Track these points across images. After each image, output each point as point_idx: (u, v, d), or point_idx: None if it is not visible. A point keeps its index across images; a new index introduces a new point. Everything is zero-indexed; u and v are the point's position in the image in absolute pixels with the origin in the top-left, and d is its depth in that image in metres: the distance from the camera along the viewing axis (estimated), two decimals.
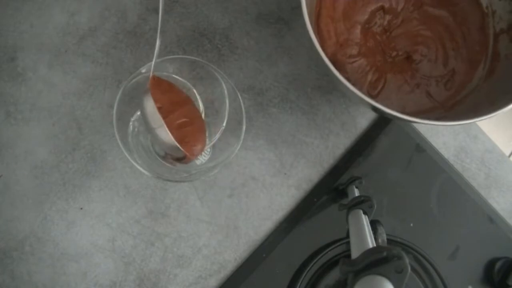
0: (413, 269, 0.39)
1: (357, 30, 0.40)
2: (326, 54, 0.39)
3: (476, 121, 0.30)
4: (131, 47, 0.42)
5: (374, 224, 0.32)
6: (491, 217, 0.42)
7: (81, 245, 0.39)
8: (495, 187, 0.44)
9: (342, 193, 0.40)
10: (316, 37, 0.31)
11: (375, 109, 0.31)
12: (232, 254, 0.40)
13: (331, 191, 0.41)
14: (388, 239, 0.38)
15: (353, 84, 0.30)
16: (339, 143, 0.43)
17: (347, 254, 0.39)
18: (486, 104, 0.30)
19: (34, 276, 0.38)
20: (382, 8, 0.40)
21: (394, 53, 0.40)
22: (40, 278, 0.38)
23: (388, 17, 0.41)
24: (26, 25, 0.42)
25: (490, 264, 0.41)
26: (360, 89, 0.30)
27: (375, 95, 0.39)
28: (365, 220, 0.31)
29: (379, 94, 0.39)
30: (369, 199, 0.33)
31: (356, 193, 0.37)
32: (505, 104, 0.30)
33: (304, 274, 0.38)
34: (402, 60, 0.40)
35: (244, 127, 0.38)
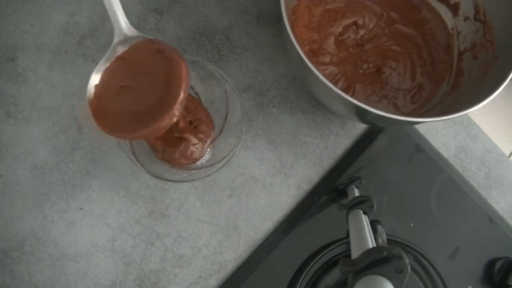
0: (413, 269, 0.39)
1: (331, 41, 0.41)
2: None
3: (440, 120, 0.31)
4: None
5: (374, 224, 0.32)
6: (491, 217, 0.42)
7: (81, 245, 0.39)
8: (495, 187, 0.44)
9: (342, 193, 0.40)
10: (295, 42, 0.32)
11: (347, 104, 0.32)
12: (232, 254, 0.40)
13: (331, 191, 0.41)
14: (388, 239, 0.38)
15: None
16: (339, 143, 0.43)
17: (347, 254, 0.39)
18: (449, 112, 0.32)
19: (34, 276, 0.38)
20: (355, 23, 0.42)
21: (365, 66, 0.42)
22: (40, 278, 0.38)
23: (361, 32, 0.43)
24: (26, 25, 0.42)
25: (490, 264, 0.41)
26: None
27: None
28: (365, 220, 0.31)
29: None
30: (369, 199, 0.33)
31: (356, 193, 0.37)
32: (465, 109, 0.31)
33: (304, 274, 0.38)
34: (372, 72, 0.42)
35: (244, 127, 0.38)
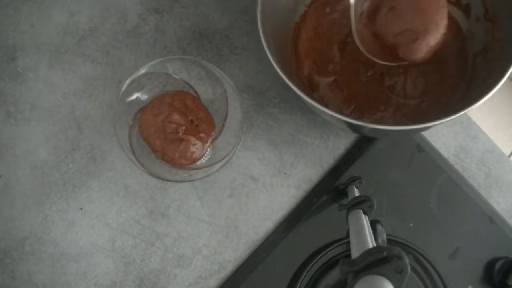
0: (413, 269, 0.39)
1: (335, 46, 0.41)
2: (303, 74, 0.41)
3: (443, 122, 0.30)
4: (131, 47, 0.42)
5: (374, 224, 0.32)
6: (491, 217, 0.42)
7: (81, 245, 0.39)
8: (495, 187, 0.44)
9: (342, 193, 0.40)
10: (292, 63, 0.31)
11: (350, 126, 0.31)
12: (232, 254, 0.40)
13: (331, 191, 0.41)
14: (388, 239, 0.38)
15: (326, 103, 0.31)
16: (339, 143, 0.43)
17: (347, 254, 0.39)
18: (447, 115, 0.30)
19: (34, 276, 0.38)
20: None
21: (370, 72, 0.41)
22: (40, 278, 0.38)
23: None
24: (26, 25, 0.42)
25: (490, 264, 0.41)
26: (333, 108, 0.30)
27: (348, 113, 0.40)
28: (365, 220, 0.31)
29: (352, 112, 0.40)
30: (369, 199, 0.33)
31: (356, 193, 0.37)
32: (463, 109, 0.30)
33: (304, 274, 0.38)
34: (377, 79, 0.41)
35: (244, 127, 0.38)
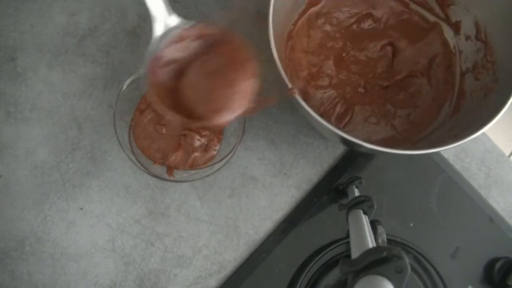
0: (413, 269, 0.39)
1: (330, 62, 0.41)
2: (297, 86, 0.40)
3: (437, 151, 0.31)
4: (131, 47, 0.42)
5: (374, 224, 0.32)
6: (491, 217, 0.42)
7: (81, 245, 0.39)
8: (495, 187, 0.44)
9: (342, 193, 0.40)
10: (287, 72, 0.31)
11: (344, 140, 0.31)
12: (232, 254, 0.40)
13: (331, 191, 0.41)
14: (388, 239, 0.38)
15: (321, 116, 0.30)
16: (339, 143, 0.43)
17: (347, 254, 0.39)
18: (449, 139, 0.31)
19: (34, 276, 0.38)
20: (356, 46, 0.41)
21: (363, 86, 0.41)
22: (40, 278, 0.38)
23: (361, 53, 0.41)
24: (26, 25, 0.42)
25: (490, 264, 0.41)
26: (328, 121, 0.30)
27: (342, 126, 0.40)
28: (365, 220, 0.31)
29: (346, 126, 0.40)
30: (369, 199, 0.33)
31: (356, 193, 0.37)
32: (466, 136, 0.30)
33: (304, 274, 0.38)
34: (376, 89, 0.41)
35: (244, 127, 0.38)
